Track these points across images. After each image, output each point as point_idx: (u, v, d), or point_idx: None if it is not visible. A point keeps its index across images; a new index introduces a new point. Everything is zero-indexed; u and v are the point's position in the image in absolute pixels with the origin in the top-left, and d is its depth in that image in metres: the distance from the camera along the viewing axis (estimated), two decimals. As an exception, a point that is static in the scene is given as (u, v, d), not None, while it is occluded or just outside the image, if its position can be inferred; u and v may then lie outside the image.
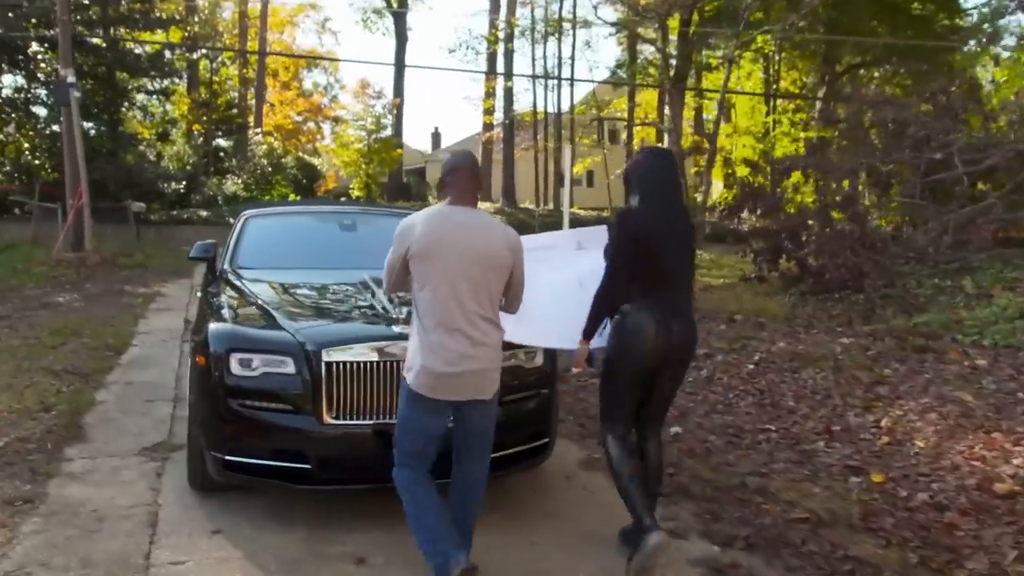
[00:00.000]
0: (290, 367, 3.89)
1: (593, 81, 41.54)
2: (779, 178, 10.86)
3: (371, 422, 3.87)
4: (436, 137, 49.32)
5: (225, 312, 4.41)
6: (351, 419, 3.86)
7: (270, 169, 30.77)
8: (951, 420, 5.50)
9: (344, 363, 3.84)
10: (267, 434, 3.91)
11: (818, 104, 32.18)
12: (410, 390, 3.26)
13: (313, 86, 46.48)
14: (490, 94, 36.81)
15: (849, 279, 8.87)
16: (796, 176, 11.48)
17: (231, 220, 24.21)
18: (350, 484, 3.97)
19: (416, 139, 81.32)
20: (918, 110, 11.69)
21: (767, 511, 4.33)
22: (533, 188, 37.53)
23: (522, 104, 37.23)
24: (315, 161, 37.10)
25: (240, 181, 29.49)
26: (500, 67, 35.45)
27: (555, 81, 36.40)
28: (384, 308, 4.30)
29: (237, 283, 4.96)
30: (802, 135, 34.82)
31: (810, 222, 10.09)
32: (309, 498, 4.14)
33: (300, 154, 36.54)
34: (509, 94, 34.69)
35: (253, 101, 34.54)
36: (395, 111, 33.51)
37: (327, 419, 3.83)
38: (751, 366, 7.04)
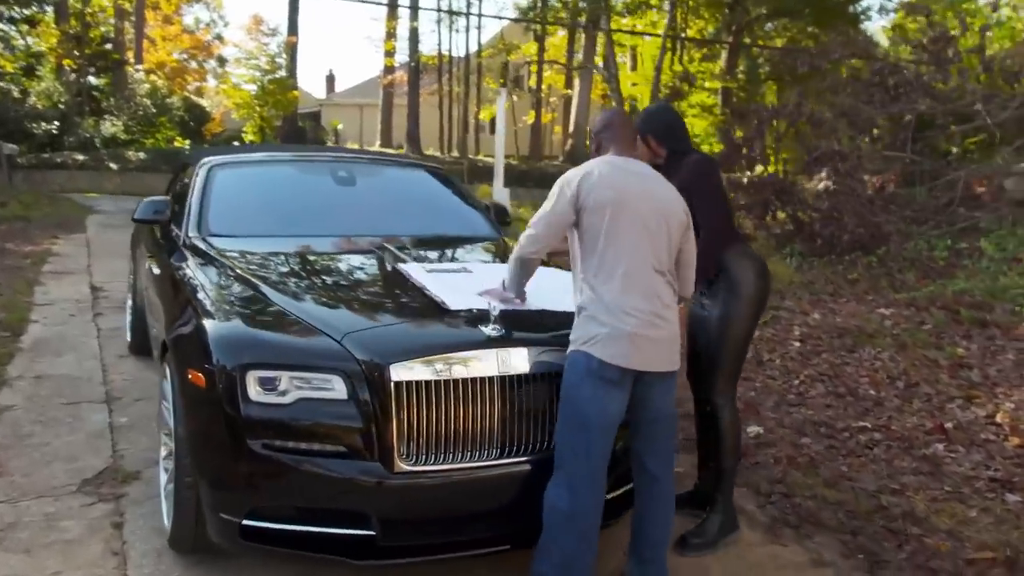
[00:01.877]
0: (339, 390, 2.64)
1: (504, 18, 39.94)
2: (760, 129, 9.97)
3: (460, 466, 2.70)
4: (331, 80, 46.76)
5: (216, 304, 3.06)
6: (434, 463, 2.67)
7: (154, 110, 28.14)
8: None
9: (422, 383, 2.64)
10: (307, 488, 2.66)
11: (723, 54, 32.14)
12: (595, 363, 2.62)
13: (195, 22, 43.04)
14: (391, 35, 34.87)
15: (861, 240, 8.09)
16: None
17: (112, 165, 21.94)
18: (429, 555, 2.76)
19: (309, 83, 77.83)
20: (898, 60, 11.02)
21: (934, 547, 3.41)
22: (437, 134, 36.05)
23: (425, 47, 35.38)
24: (203, 103, 34.33)
25: (120, 123, 26.80)
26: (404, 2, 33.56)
27: (462, 22, 34.85)
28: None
29: (219, 259, 3.54)
30: (707, 85, 34.73)
31: (798, 177, 9.30)
32: (342, 566, 2.76)
33: (187, 94, 33.69)
34: (415, 34, 32.90)
35: (132, 36, 31.42)
36: (290, 50, 31.28)
37: (400, 465, 2.63)
38: (796, 343, 6.13)
